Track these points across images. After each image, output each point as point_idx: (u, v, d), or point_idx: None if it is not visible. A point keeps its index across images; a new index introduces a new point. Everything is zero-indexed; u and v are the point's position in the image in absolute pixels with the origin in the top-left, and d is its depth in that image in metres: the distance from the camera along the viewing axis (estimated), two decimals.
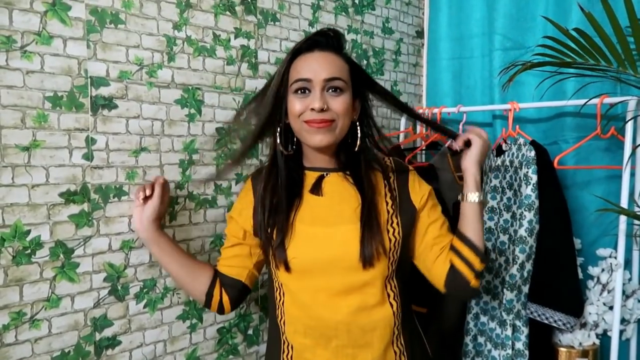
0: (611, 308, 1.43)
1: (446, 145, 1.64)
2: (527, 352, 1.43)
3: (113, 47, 1.08)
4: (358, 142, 1.08)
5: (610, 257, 1.45)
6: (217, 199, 1.29)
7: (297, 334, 1.06)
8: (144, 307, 1.17)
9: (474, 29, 1.83)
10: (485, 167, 1.62)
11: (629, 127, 1.33)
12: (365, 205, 1.03)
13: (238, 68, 1.32)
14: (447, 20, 1.90)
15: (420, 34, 1.97)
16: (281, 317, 1.09)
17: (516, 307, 1.44)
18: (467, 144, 1.09)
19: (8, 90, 0.94)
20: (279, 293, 1.09)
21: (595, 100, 1.37)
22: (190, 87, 1.22)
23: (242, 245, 1.13)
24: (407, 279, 1.12)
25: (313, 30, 1.50)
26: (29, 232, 0.98)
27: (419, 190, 1.10)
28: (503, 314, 1.45)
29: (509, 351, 1.45)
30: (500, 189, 1.54)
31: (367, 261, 1.00)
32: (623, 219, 1.35)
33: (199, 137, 1.24)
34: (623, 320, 1.46)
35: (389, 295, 1.04)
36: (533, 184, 1.41)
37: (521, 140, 1.48)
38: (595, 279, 1.48)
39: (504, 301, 1.44)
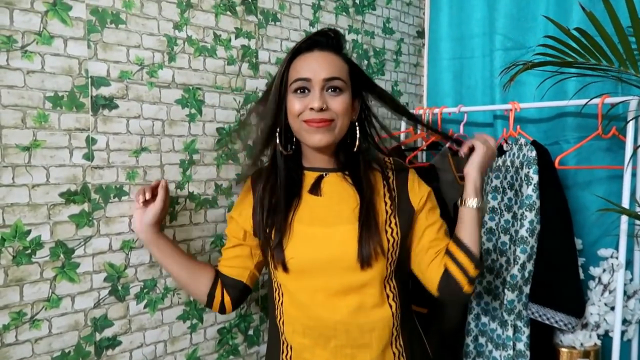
0: (612, 308, 1.43)
1: (447, 145, 1.64)
2: (528, 352, 1.43)
3: (114, 47, 1.08)
4: (357, 143, 1.07)
5: (611, 257, 1.45)
6: (218, 199, 1.29)
7: (296, 334, 1.06)
8: (145, 307, 1.17)
9: (475, 29, 1.83)
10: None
11: (630, 127, 1.33)
12: (364, 205, 1.03)
13: (239, 68, 1.32)
14: (447, 20, 1.89)
15: (421, 34, 1.97)
16: (280, 317, 1.09)
17: (517, 307, 1.44)
18: (472, 149, 1.09)
19: (9, 90, 0.94)
20: (278, 293, 1.09)
21: (597, 100, 1.36)
22: (190, 87, 1.22)
23: (242, 246, 1.13)
24: (407, 279, 1.12)
25: (314, 30, 1.50)
26: (29, 232, 0.98)
27: (418, 191, 1.10)
28: (504, 314, 1.45)
29: (510, 352, 1.45)
30: (501, 189, 1.54)
31: (365, 261, 0.99)
32: (624, 219, 1.35)
33: (200, 137, 1.24)
34: (624, 321, 1.46)
35: (388, 296, 1.04)
36: (534, 184, 1.41)
37: (522, 141, 1.48)
38: (597, 280, 1.47)
39: (505, 301, 1.44)
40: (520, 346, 1.44)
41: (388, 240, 1.02)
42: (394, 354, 1.06)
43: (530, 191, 1.41)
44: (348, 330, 1.02)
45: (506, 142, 1.55)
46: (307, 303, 1.03)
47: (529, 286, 1.44)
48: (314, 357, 1.05)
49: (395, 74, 1.85)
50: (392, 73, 1.84)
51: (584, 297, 1.44)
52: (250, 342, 1.39)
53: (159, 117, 1.16)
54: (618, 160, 1.47)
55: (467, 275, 1.02)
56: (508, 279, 1.44)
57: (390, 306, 1.04)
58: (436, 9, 1.93)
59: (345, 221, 1.03)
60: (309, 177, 1.09)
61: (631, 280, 1.48)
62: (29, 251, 0.99)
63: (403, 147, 1.77)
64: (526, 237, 1.41)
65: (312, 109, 0.99)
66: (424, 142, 1.79)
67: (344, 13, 1.62)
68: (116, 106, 1.09)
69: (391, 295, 1.05)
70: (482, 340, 1.56)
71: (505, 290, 1.44)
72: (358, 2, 1.67)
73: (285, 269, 1.03)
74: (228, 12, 1.29)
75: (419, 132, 1.81)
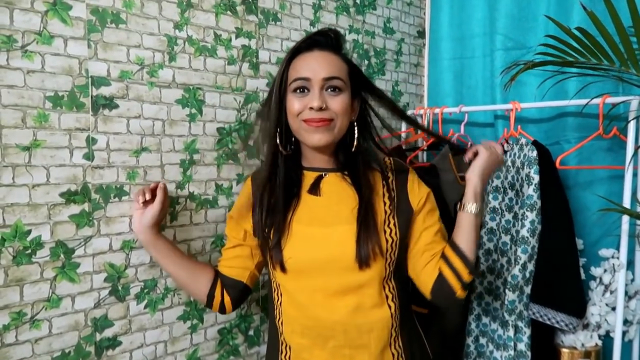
0: (614, 309, 1.42)
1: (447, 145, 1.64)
2: (529, 353, 1.43)
3: (114, 47, 1.08)
4: (355, 143, 1.07)
5: (612, 257, 1.45)
6: (218, 199, 1.29)
7: (294, 334, 1.06)
8: (145, 307, 1.16)
9: (476, 29, 1.82)
10: None
11: (631, 127, 1.32)
12: (362, 205, 1.02)
13: (239, 68, 1.32)
14: (448, 20, 1.89)
15: (421, 34, 1.97)
16: (279, 318, 1.09)
17: (518, 307, 1.44)
18: (477, 155, 1.09)
19: (9, 89, 0.94)
20: (277, 293, 1.09)
21: (598, 100, 1.36)
22: (191, 87, 1.22)
23: (242, 246, 1.13)
24: (406, 280, 1.11)
25: (314, 30, 1.49)
26: (29, 232, 0.98)
27: (417, 192, 1.09)
28: (505, 314, 1.45)
29: (511, 352, 1.44)
30: (502, 189, 1.53)
31: (363, 262, 0.99)
32: (626, 219, 1.35)
33: (200, 137, 1.24)
34: (626, 322, 1.45)
35: (387, 297, 1.04)
36: (535, 184, 1.40)
37: (523, 141, 1.48)
38: (598, 280, 1.47)
39: (506, 302, 1.44)
40: (521, 347, 1.43)
41: (387, 241, 1.02)
42: (392, 355, 1.05)
43: (531, 191, 1.41)
44: (346, 330, 1.02)
45: (507, 142, 1.54)
46: (306, 303, 1.03)
47: (530, 286, 1.43)
48: (312, 357, 1.05)
49: (395, 74, 1.85)
50: (392, 73, 1.84)
51: (585, 297, 1.44)
52: (251, 342, 1.39)
53: (160, 117, 1.16)
54: (619, 160, 1.47)
55: (460, 280, 1.02)
56: (509, 279, 1.44)
57: (389, 307, 1.04)
58: (437, 8, 1.93)
59: (344, 221, 1.03)
60: (309, 177, 1.09)
61: (632, 280, 1.48)
62: (29, 251, 0.98)
63: (404, 147, 1.77)
64: (527, 237, 1.41)
65: (311, 108, 0.99)
66: (424, 142, 1.79)
67: (344, 13, 1.62)
68: (116, 106, 1.09)
69: (390, 296, 1.04)
70: (483, 340, 1.56)
71: (506, 291, 1.44)
72: (359, 2, 1.67)
73: (283, 269, 1.03)
74: (228, 12, 1.28)
75: (419, 132, 1.81)
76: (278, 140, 1.05)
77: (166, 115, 1.17)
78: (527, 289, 1.43)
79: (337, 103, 1.01)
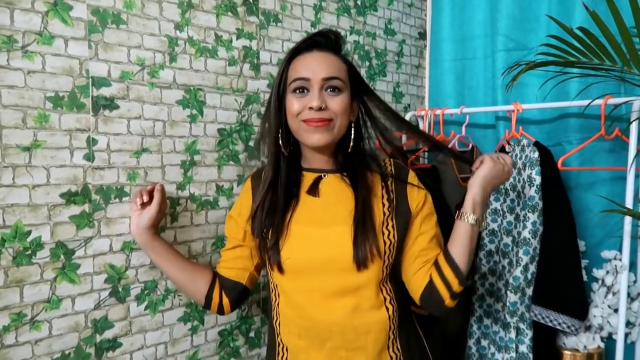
0: (616, 311, 1.42)
1: (449, 146, 1.63)
2: (531, 355, 1.42)
3: (114, 48, 1.08)
4: (351, 144, 1.07)
5: (615, 259, 1.44)
6: (219, 200, 1.28)
7: (291, 335, 1.06)
8: (145, 308, 1.16)
9: (477, 30, 1.82)
10: None
11: (634, 128, 1.32)
12: (359, 206, 1.02)
13: (240, 69, 1.31)
14: (449, 21, 1.89)
15: (422, 35, 1.96)
16: (276, 319, 1.09)
17: (520, 309, 1.43)
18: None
19: (9, 90, 0.94)
20: (274, 294, 1.09)
21: (599, 101, 1.36)
22: (191, 88, 1.21)
23: (242, 247, 1.12)
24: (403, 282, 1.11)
25: (315, 31, 1.49)
26: (29, 232, 0.98)
27: (416, 195, 1.09)
28: (507, 316, 1.44)
29: (513, 354, 1.44)
30: (503, 191, 1.53)
31: (361, 263, 0.99)
32: (628, 220, 1.34)
33: (201, 138, 1.24)
34: (628, 323, 1.45)
35: (385, 299, 1.03)
36: (537, 185, 1.40)
37: (524, 142, 1.47)
38: (600, 282, 1.46)
39: (508, 304, 1.43)
40: (523, 349, 1.43)
41: (385, 243, 1.02)
42: (390, 357, 1.05)
43: (532, 192, 1.40)
44: (343, 332, 1.02)
45: (508, 143, 1.54)
46: (303, 304, 1.03)
47: (531, 288, 1.43)
48: (309, 358, 1.04)
49: (397, 75, 1.85)
50: (393, 74, 1.83)
51: (587, 299, 1.43)
52: (252, 344, 1.39)
53: (160, 117, 1.16)
54: (621, 161, 1.47)
55: (450, 289, 1.01)
56: (511, 280, 1.43)
57: (387, 309, 1.03)
58: (438, 10, 1.93)
59: (341, 222, 1.02)
60: (308, 178, 1.09)
61: (635, 282, 1.47)
62: (29, 252, 0.98)
63: (405, 149, 1.77)
64: (529, 239, 1.40)
65: (311, 108, 0.99)
66: (426, 144, 1.79)
67: (345, 14, 1.62)
68: (117, 107, 1.09)
69: (388, 298, 1.04)
70: (484, 343, 1.55)
71: (508, 292, 1.43)
72: (360, 3, 1.67)
73: (281, 269, 1.03)
74: (229, 13, 1.28)
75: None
76: (280, 141, 1.05)
77: (167, 116, 1.17)
78: (529, 291, 1.43)
79: (337, 103, 1.01)
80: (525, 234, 1.41)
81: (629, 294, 1.42)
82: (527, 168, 1.43)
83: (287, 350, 1.07)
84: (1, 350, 0.95)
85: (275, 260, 1.02)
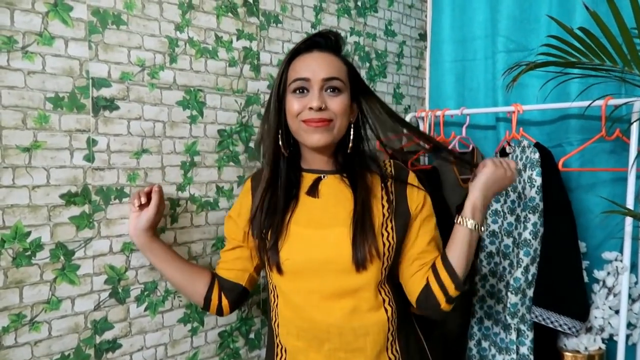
0: (617, 312, 1.42)
1: (450, 147, 1.63)
2: (532, 356, 1.42)
3: (115, 48, 1.08)
4: (350, 144, 1.06)
5: (615, 260, 1.44)
6: (219, 201, 1.28)
7: (290, 336, 1.06)
8: (145, 310, 1.16)
9: (477, 31, 1.82)
10: None
11: (634, 128, 1.32)
12: (357, 207, 1.02)
13: (240, 70, 1.31)
14: (449, 22, 1.89)
15: (423, 37, 1.96)
16: (275, 320, 1.08)
17: (521, 311, 1.43)
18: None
19: (9, 90, 0.94)
20: (273, 295, 1.09)
21: (600, 102, 1.35)
22: (192, 89, 1.21)
23: (242, 248, 1.12)
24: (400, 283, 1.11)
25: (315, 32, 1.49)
26: (29, 233, 0.98)
27: (416, 197, 1.08)
28: (507, 318, 1.44)
29: (514, 356, 1.43)
30: (504, 192, 1.53)
31: (360, 264, 0.98)
32: (629, 221, 1.34)
33: (201, 139, 1.24)
34: (629, 325, 1.44)
35: (383, 301, 1.03)
36: (537, 187, 1.40)
37: (525, 143, 1.47)
38: (601, 283, 1.46)
39: (509, 305, 1.43)
40: (524, 350, 1.42)
41: (384, 244, 1.01)
42: (389, 359, 1.04)
43: (533, 193, 1.40)
44: (342, 333, 1.01)
45: (509, 145, 1.54)
46: (301, 305, 1.03)
47: (532, 289, 1.42)
48: (307, 359, 1.04)
49: (397, 77, 1.85)
50: (394, 75, 1.83)
51: (588, 300, 1.43)
52: (252, 345, 1.38)
53: (160, 118, 1.16)
54: (622, 162, 1.47)
55: (446, 294, 1.01)
56: (511, 282, 1.43)
57: (386, 310, 1.03)
58: (438, 11, 1.93)
59: (341, 223, 1.02)
60: (307, 179, 1.08)
61: (636, 283, 1.47)
62: (29, 253, 0.98)
63: (405, 150, 1.76)
64: (530, 240, 1.40)
65: (311, 108, 0.98)
66: (426, 145, 1.78)
67: (345, 15, 1.62)
68: (117, 107, 1.08)
69: (387, 300, 1.04)
70: (485, 344, 1.55)
71: (509, 294, 1.43)
72: (360, 5, 1.67)
73: (280, 270, 1.02)
74: (229, 14, 1.28)
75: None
76: (280, 142, 1.05)
77: (167, 117, 1.17)
78: (530, 292, 1.43)
79: (337, 103, 1.01)
80: (526, 235, 1.41)
81: (630, 295, 1.41)
82: (527, 169, 1.42)
83: (285, 351, 1.07)
84: (1, 351, 0.95)
85: (274, 261, 1.02)
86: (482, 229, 1.05)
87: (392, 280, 1.07)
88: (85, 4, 1.03)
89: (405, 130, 1.17)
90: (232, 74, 1.30)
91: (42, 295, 1.00)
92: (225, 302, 1.11)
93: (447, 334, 1.60)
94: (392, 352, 1.05)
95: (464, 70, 1.88)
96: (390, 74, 1.82)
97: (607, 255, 1.46)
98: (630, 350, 1.46)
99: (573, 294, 1.40)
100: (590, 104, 1.31)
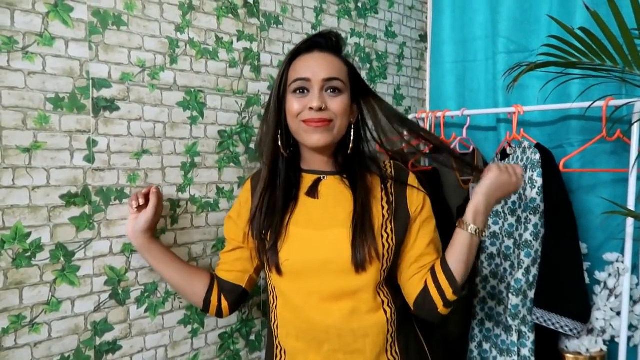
0: (618, 314, 1.41)
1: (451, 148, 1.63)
2: (533, 358, 1.41)
3: (115, 49, 1.08)
4: (351, 145, 1.06)
5: (617, 261, 1.43)
6: (220, 202, 1.28)
7: (289, 337, 1.05)
8: (145, 311, 1.15)
9: (478, 32, 1.82)
10: None
11: (635, 129, 1.32)
12: (357, 208, 1.01)
13: (241, 71, 1.31)
14: (450, 23, 1.89)
15: (423, 38, 1.96)
16: (274, 321, 1.08)
17: (522, 312, 1.43)
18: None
19: (9, 91, 0.94)
20: (273, 296, 1.08)
21: (601, 103, 1.35)
22: (192, 90, 1.21)
23: (242, 249, 1.12)
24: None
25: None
26: (29, 234, 0.97)
27: (415, 199, 1.08)
28: (508, 319, 1.43)
29: (515, 357, 1.43)
30: None
31: (359, 265, 0.98)
32: (630, 222, 1.33)
33: (201, 139, 1.23)
34: (631, 326, 1.44)
35: (382, 302, 1.03)
36: (538, 187, 1.39)
37: (526, 144, 1.47)
38: (602, 284, 1.45)
39: (510, 306, 1.42)
40: (525, 352, 1.42)
41: (384, 246, 1.01)
42: None
43: (534, 194, 1.40)
44: (341, 334, 1.01)
45: (510, 146, 1.54)
46: (301, 306, 1.02)
47: (533, 291, 1.42)
48: None
49: (397, 78, 1.85)
50: (394, 77, 1.83)
51: (589, 302, 1.42)
52: (252, 347, 1.38)
53: (161, 119, 1.16)
54: (623, 163, 1.46)
55: (444, 298, 1.01)
56: (512, 283, 1.42)
57: (385, 312, 1.03)
58: (438, 12, 1.93)
59: (340, 224, 1.02)
60: (307, 180, 1.08)
61: (637, 284, 1.46)
62: (29, 254, 0.98)
63: (406, 151, 1.76)
64: (530, 241, 1.40)
65: (311, 108, 0.98)
66: (427, 146, 1.78)
67: (346, 16, 1.62)
68: (117, 108, 1.08)
69: (386, 301, 1.03)
70: (486, 346, 1.54)
71: (510, 295, 1.43)
72: (360, 6, 1.67)
73: (279, 271, 1.02)
74: (230, 15, 1.28)
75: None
76: (279, 142, 1.05)
77: (167, 118, 1.17)
78: (531, 294, 1.42)
79: (337, 104, 1.01)
80: (527, 236, 1.40)
81: (631, 297, 1.41)
82: (528, 170, 1.42)
83: (285, 352, 1.07)
84: (0, 352, 0.95)
85: (273, 262, 1.02)
86: (484, 234, 1.04)
87: (391, 281, 1.07)
88: (86, 4, 1.03)
89: (406, 132, 1.16)
90: (233, 75, 1.29)
91: (42, 296, 1.00)
92: (224, 303, 1.11)
93: (448, 335, 1.59)
94: (391, 354, 1.04)
95: (464, 71, 1.88)
96: (391, 75, 1.82)
97: (608, 256, 1.46)
98: (632, 352, 1.46)
99: (574, 296, 1.39)
100: (591, 104, 1.31)
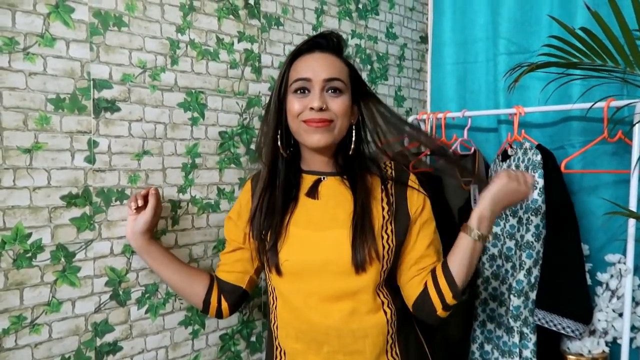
0: (621, 315, 1.41)
1: (451, 149, 1.63)
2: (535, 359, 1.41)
3: (116, 50, 1.08)
4: (352, 146, 1.06)
5: (619, 262, 1.43)
6: (220, 203, 1.28)
7: (289, 338, 1.05)
8: (146, 312, 1.15)
9: (478, 34, 1.82)
10: (491, 172, 1.60)
11: (637, 130, 1.32)
12: (357, 209, 1.01)
13: (241, 72, 1.31)
14: (451, 25, 1.89)
15: (424, 39, 1.96)
16: (274, 322, 1.08)
17: (523, 313, 1.42)
18: None
19: (10, 92, 0.94)
20: (273, 297, 1.08)
21: (602, 104, 1.35)
22: (193, 91, 1.21)
23: (243, 250, 1.12)
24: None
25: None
26: (30, 235, 0.97)
27: (415, 200, 1.08)
28: (510, 320, 1.43)
29: (517, 359, 1.42)
30: None
31: (359, 266, 0.98)
32: (632, 222, 1.33)
33: (202, 140, 1.24)
34: (633, 328, 1.43)
35: (382, 303, 1.03)
36: (540, 188, 1.39)
37: (527, 145, 1.47)
38: (604, 285, 1.45)
39: (511, 308, 1.42)
40: (527, 353, 1.41)
41: (384, 247, 1.01)
42: None
43: (535, 195, 1.39)
44: (340, 335, 1.01)
45: (511, 147, 1.54)
46: (300, 306, 1.02)
47: (535, 292, 1.42)
48: None
49: (398, 79, 1.85)
50: (395, 78, 1.83)
51: (591, 303, 1.42)
52: (253, 348, 1.38)
53: (161, 120, 1.16)
54: (624, 164, 1.46)
55: (443, 301, 1.00)
56: (514, 284, 1.42)
57: (385, 313, 1.02)
58: (439, 13, 1.93)
59: (340, 225, 1.01)
60: (307, 180, 1.08)
61: (639, 286, 1.46)
62: (30, 254, 0.98)
63: (407, 152, 1.76)
64: (532, 242, 1.39)
65: (311, 108, 0.98)
66: (426, 150, 1.78)
67: (347, 18, 1.62)
68: (118, 109, 1.08)
69: (385, 302, 1.03)
70: (488, 347, 1.54)
71: (511, 296, 1.42)
72: (361, 7, 1.67)
73: (279, 272, 1.02)
74: (231, 16, 1.28)
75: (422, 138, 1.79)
76: (279, 143, 1.05)
77: (168, 119, 1.17)
78: (532, 295, 1.42)
79: (338, 104, 1.00)
80: (529, 237, 1.40)
81: (633, 298, 1.40)
82: (529, 171, 1.42)
83: (285, 353, 1.06)
84: (1, 353, 0.95)
85: (273, 262, 1.02)
86: (488, 240, 1.03)
87: (391, 282, 1.06)
88: (87, 5, 1.03)
89: (406, 135, 1.16)
90: (234, 76, 1.30)
91: (43, 297, 1.00)
92: (224, 304, 1.11)
93: (449, 337, 1.59)
94: (391, 355, 1.04)
95: (465, 72, 1.88)
96: (392, 76, 1.82)
97: (610, 257, 1.45)
98: (634, 353, 1.45)
99: (576, 297, 1.39)
100: (592, 105, 1.31)
